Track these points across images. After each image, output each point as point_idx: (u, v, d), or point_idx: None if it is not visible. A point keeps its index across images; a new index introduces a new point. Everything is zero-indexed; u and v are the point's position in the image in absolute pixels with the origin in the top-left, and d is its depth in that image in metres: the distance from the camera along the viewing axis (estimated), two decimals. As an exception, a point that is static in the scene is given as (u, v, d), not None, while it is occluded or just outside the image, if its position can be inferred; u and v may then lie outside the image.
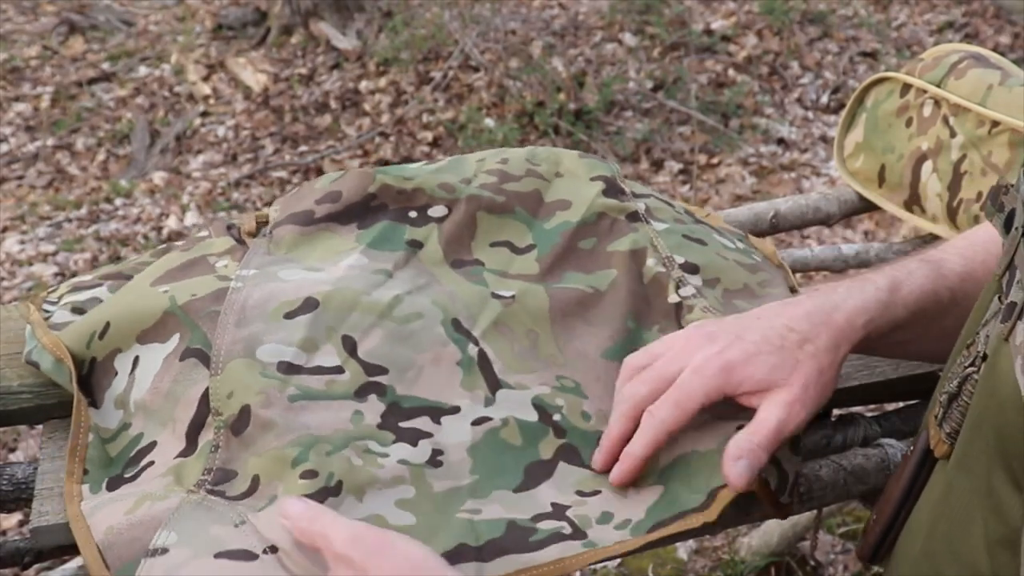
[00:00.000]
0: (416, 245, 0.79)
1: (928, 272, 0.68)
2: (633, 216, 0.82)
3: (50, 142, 3.56)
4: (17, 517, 1.90)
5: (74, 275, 1.18)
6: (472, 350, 0.71)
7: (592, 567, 1.62)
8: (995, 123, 1.01)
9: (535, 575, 0.59)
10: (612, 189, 0.85)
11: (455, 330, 0.72)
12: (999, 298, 0.56)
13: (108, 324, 0.72)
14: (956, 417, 0.58)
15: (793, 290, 0.86)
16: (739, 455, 0.60)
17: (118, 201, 3.22)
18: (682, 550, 1.74)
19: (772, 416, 0.61)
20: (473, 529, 0.61)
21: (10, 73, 3.99)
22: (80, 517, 0.62)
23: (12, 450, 2.09)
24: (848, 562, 1.71)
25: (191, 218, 3.08)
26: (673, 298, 0.77)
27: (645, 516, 0.64)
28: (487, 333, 0.73)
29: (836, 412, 0.80)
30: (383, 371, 0.69)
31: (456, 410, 0.68)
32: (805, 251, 1.14)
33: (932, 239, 1.15)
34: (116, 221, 3.10)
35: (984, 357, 0.55)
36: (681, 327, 0.75)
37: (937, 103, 1.07)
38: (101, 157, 3.50)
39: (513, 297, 0.76)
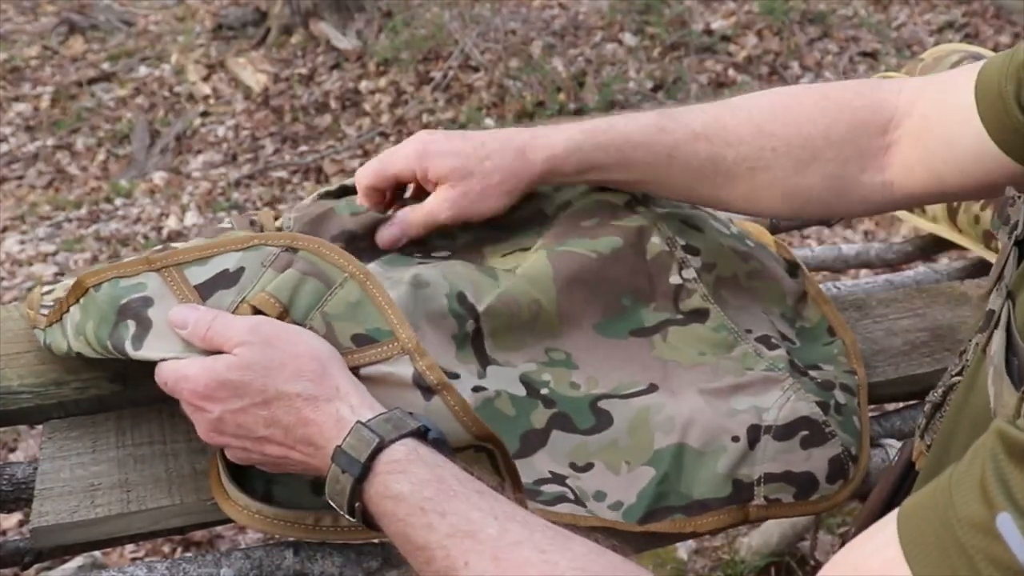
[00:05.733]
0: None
1: (648, 123, 0.77)
2: (632, 201, 0.83)
3: (50, 142, 3.56)
4: (17, 517, 1.89)
5: (74, 275, 1.19)
6: (470, 326, 0.73)
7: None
8: (995, 123, 1.00)
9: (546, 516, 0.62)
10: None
11: (459, 303, 0.73)
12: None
13: None
14: (937, 428, 0.57)
15: (788, 261, 0.87)
16: (392, 223, 0.78)
17: (118, 201, 3.22)
18: (682, 550, 1.73)
19: (432, 202, 0.76)
20: None
21: (10, 73, 3.99)
22: None
23: (12, 450, 2.09)
24: (848, 562, 1.70)
25: (191, 218, 3.08)
26: (675, 279, 0.79)
27: (636, 501, 0.68)
28: (491, 307, 0.74)
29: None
30: None
31: (456, 376, 0.70)
32: (805, 251, 1.14)
33: (932, 239, 1.15)
34: (116, 221, 3.10)
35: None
36: (679, 311, 0.78)
37: (937, 103, 1.07)
38: (101, 157, 3.50)
39: (514, 270, 0.77)
